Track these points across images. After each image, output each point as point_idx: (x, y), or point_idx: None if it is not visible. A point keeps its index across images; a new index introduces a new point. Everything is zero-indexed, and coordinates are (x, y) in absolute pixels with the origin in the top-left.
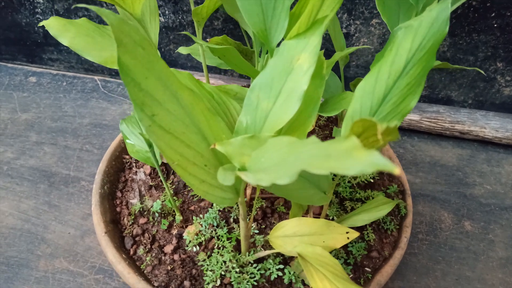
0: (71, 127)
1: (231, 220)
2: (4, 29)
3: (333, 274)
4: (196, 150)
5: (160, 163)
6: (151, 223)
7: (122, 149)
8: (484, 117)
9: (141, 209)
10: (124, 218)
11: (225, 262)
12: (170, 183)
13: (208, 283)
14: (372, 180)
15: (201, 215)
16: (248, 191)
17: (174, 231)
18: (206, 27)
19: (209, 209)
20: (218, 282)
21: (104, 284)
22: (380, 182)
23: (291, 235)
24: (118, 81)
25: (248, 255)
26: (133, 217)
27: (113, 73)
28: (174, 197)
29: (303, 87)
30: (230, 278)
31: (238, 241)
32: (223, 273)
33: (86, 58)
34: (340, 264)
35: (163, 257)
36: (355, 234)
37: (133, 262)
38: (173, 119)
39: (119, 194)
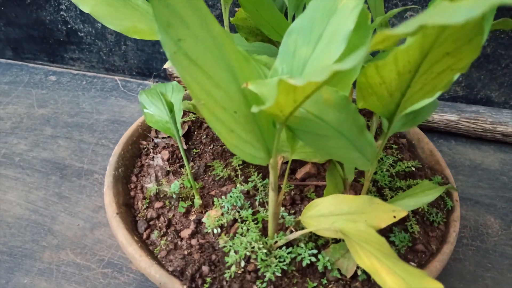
0: (87, 122)
1: (257, 203)
2: (28, 27)
3: (380, 252)
4: (226, 91)
5: (181, 134)
6: (167, 207)
7: (139, 135)
8: None
9: (157, 193)
10: (138, 202)
11: (250, 243)
12: (190, 169)
13: (230, 265)
14: (413, 169)
15: (223, 197)
16: None
17: (193, 217)
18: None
19: (233, 189)
20: (242, 264)
21: (113, 278)
22: (422, 173)
23: (327, 214)
24: (139, 81)
25: (277, 237)
26: (147, 201)
27: (134, 73)
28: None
29: (349, 27)
30: (256, 260)
31: (264, 224)
32: (248, 253)
33: (107, 25)
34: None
35: (179, 242)
36: (402, 213)
37: (146, 246)
38: (201, 48)
39: (134, 178)
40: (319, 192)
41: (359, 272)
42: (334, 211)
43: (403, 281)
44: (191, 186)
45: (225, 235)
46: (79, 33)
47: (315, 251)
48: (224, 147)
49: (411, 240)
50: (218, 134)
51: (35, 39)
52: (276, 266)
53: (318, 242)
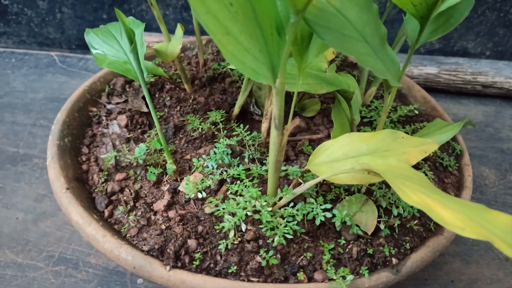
0: (21, 102)
1: (246, 160)
2: None
3: (423, 187)
4: None
5: (145, 75)
6: (132, 178)
7: (87, 100)
8: (508, 66)
9: (116, 163)
10: (93, 176)
11: (248, 202)
12: (156, 132)
13: (226, 233)
14: (416, 112)
15: (204, 156)
16: (265, 125)
17: (165, 186)
18: None
19: (217, 144)
20: (244, 228)
21: (67, 276)
22: (423, 119)
23: (341, 157)
24: (79, 55)
25: (281, 193)
26: (105, 174)
27: (73, 46)
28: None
29: None
30: (254, 225)
31: (260, 184)
32: (249, 213)
33: None
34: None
35: (152, 217)
36: (433, 146)
37: (110, 226)
38: None
39: (85, 150)
40: (315, 146)
41: (381, 226)
42: (349, 152)
43: (464, 215)
44: (161, 150)
45: (214, 198)
46: (2, 0)
47: (328, 206)
48: (195, 106)
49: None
50: (212, 36)
51: None
52: (285, 227)
53: (327, 197)
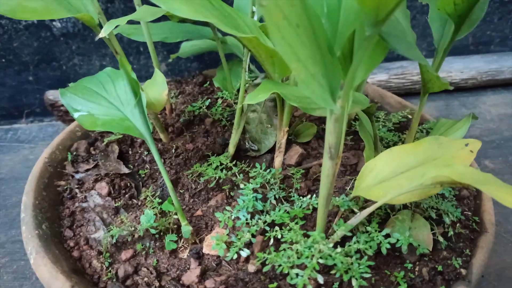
0: None
1: (274, 202)
2: None
3: (501, 186)
4: None
5: (151, 129)
6: (143, 253)
7: (51, 174)
8: (446, 62)
9: (117, 240)
10: (91, 263)
11: (311, 248)
12: (152, 193)
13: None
14: (409, 116)
15: (228, 208)
16: (279, 159)
17: (184, 253)
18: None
19: (242, 190)
20: (321, 280)
21: None
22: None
23: (390, 176)
24: (5, 127)
25: (338, 228)
26: (107, 255)
27: None
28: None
29: None
30: (335, 268)
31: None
32: (321, 261)
33: None
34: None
35: None
36: (477, 144)
37: None
38: None
39: (69, 233)
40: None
41: (440, 239)
42: (397, 168)
43: None
44: (169, 212)
45: (262, 253)
46: None
47: (388, 230)
48: (183, 155)
49: (454, 189)
50: (289, 64)
51: None
52: (360, 267)
53: (373, 220)
